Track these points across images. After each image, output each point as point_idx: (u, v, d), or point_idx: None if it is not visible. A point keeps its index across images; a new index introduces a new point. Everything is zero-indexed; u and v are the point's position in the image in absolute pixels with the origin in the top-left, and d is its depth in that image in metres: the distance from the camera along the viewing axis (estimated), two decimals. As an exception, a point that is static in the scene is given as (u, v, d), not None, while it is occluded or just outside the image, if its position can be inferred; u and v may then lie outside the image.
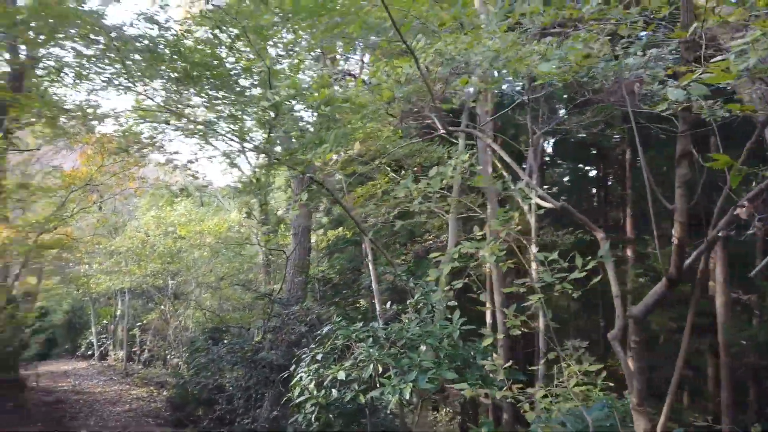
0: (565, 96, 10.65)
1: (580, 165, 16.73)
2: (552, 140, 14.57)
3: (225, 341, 10.22)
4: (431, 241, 10.94)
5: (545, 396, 4.38)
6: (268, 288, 11.05)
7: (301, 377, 5.82)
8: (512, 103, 9.58)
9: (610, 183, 16.55)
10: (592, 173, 16.67)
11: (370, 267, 9.85)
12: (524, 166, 8.54)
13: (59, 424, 11.00)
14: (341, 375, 5.30)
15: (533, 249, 7.70)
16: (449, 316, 5.66)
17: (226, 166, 9.85)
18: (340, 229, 12.36)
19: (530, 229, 8.33)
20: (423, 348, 5.56)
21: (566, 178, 17.32)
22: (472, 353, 5.35)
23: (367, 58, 10.44)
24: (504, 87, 10.67)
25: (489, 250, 4.20)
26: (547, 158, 15.87)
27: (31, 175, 13.42)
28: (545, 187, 10.74)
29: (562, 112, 11.69)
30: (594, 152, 15.38)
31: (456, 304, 5.80)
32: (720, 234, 2.81)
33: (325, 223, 13.91)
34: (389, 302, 7.10)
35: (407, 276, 6.57)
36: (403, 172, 9.06)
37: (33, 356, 18.03)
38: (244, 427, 8.29)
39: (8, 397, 11.56)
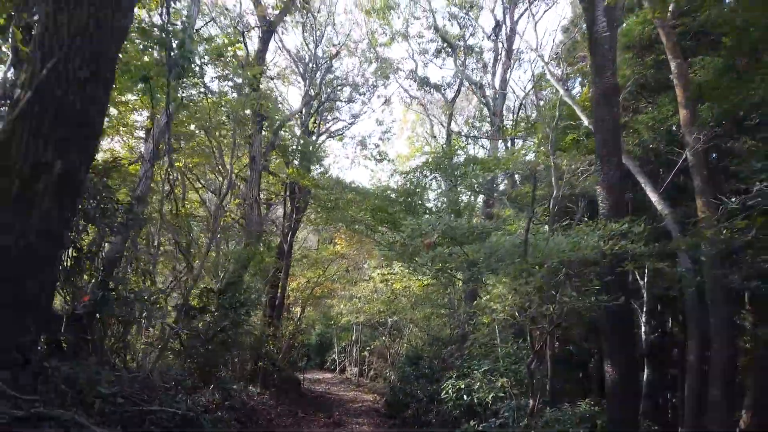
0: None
1: None
2: None
3: (419, 364, 16.62)
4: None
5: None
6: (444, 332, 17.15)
7: (445, 386, 11.74)
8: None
9: None
10: None
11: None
12: None
13: (324, 408, 18.42)
14: (462, 385, 11.06)
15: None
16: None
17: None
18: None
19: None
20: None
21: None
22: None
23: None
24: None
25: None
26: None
27: (310, 249, 22.24)
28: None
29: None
30: None
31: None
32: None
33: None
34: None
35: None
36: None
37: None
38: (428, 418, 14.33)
39: (292, 390, 19.51)
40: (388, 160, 26.35)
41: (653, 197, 9.71)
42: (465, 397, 11.40)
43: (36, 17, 3.25)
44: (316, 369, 31.65)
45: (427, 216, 9.34)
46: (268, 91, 14.03)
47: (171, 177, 8.82)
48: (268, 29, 12.37)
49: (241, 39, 12.94)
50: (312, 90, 18.69)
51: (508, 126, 18.38)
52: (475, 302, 10.59)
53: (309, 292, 20.40)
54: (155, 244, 8.40)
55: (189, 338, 7.52)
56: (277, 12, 12.69)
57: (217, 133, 11.56)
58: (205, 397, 8.30)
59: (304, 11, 14.76)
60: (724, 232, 6.71)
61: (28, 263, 3.16)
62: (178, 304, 7.46)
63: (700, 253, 7.98)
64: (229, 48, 11.92)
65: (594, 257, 6.85)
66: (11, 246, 3.00)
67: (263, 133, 13.82)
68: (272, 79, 15.19)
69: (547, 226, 11.47)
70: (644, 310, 13.52)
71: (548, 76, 12.93)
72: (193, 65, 6.70)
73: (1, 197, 2.94)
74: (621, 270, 7.06)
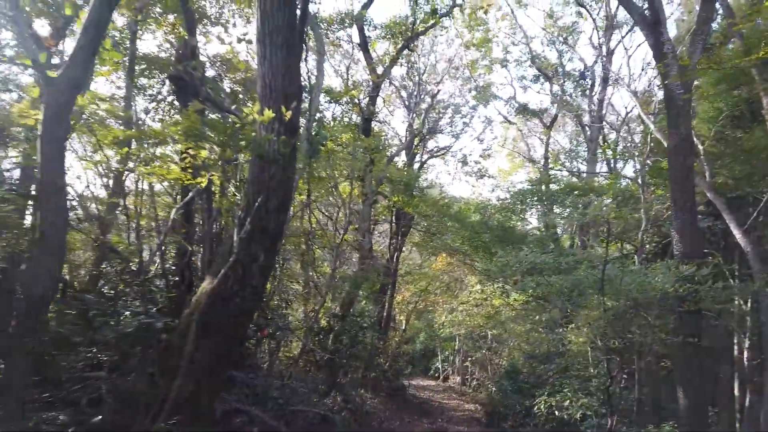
0: None
1: None
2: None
3: (516, 379, 17.91)
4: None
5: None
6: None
7: (538, 402, 13.04)
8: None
9: None
10: None
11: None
12: None
13: (427, 415, 20.21)
14: (554, 402, 12.33)
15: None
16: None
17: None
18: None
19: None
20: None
21: None
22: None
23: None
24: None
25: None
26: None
27: (414, 264, 24.31)
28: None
29: None
30: None
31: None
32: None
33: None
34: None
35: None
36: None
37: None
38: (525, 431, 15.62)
39: (398, 396, 21.48)
40: (489, 176, 27.64)
41: (737, 233, 10.39)
42: (556, 413, 12.63)
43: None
44: (420, 376, 33.42)
45: (522, 249, 10.69)
46: (378, 133, 16.21)
47: (310, 233, 11.10)
48: (378, 83, 14.53)
49: (353, 87, 15.20)
50: (416, 119, 20.71)
51: (606, 149, 19.08)
52: (561, 329, 11.84)
53: (413, 305, 22.37)
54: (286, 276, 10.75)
55: (320, 353, 9.68)
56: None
57: (335, 172, 13.84)
58: (330, 400, 10.42)
59: (410, 63, 16.76)
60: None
61: (244, 315, 5.30)
62: (311, 326, 9.67)
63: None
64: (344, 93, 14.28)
65: (661, 296, 7.97)
66: (238, 305, 5.14)
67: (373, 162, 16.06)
68: (381, 123, 17.44)
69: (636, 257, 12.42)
70: (747, 335, 13.83)
71: (639, 111, 13.74)
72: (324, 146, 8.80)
73: (235, 277, 5.09)
74: (687, 310, 8.12)
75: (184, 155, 5.54)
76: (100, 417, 4.37)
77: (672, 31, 21.75)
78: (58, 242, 3.54)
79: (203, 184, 5.17)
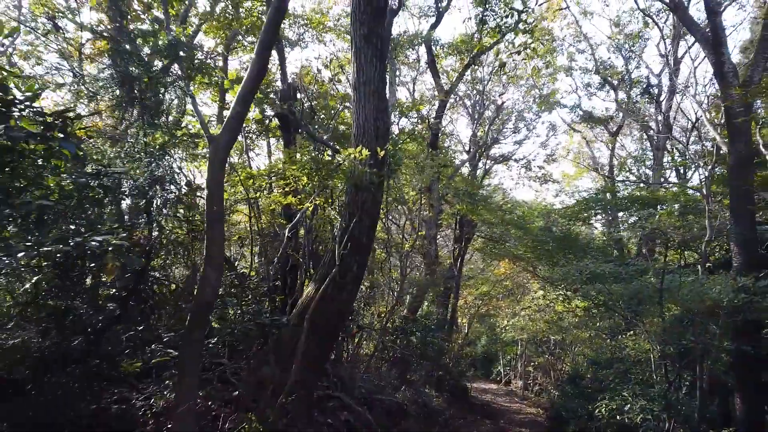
0: None
1: None
2: None
3: (579, 384, 18.41)
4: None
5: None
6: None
7: (599, 405, 13.63)
8: None
9: None
10: None
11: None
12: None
13: (490, 416, 20.97)
14: (614, 406, 12.93)
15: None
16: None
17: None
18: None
19: None
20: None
21: None
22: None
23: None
24: None
25: None
26: None
27: (476, 268, 25.16)
28: None
29: None
30: None
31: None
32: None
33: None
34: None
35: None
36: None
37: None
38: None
39: (461, 396, 22.34)
40: (553, 181, 27.97)
41: (801, 246, 10.69)
42: (617, 417, 13.20)
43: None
44: (482, 379, 34.08)
45: (585, 257, 11.38)
46: (443, 147, 17.26)
47: (387, 243, 12.32)
48: (445, 101, 15.56)
49: (421, 102, 16.29)
50: (479, 129, 21.60)
51: (673, 156, 19.23)
52: (622, 336, 12.46)
53: (475, 309, 23.20)
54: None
55: (395, 350, 10.84)
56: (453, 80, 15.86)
57: (403, 181, 14.96)
58: (400, 395, 11.53)
59: (474, 78, 17.67)
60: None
61: (341, 316, 6.50)
62: (385, 326, 10.83)
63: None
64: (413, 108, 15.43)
65: (719, 306, 8.56)
66: (337, 308, 6.34)
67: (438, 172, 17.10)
68: (446, 135, 18.45)
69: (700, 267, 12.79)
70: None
71: (705, 121, 14.03)
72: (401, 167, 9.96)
73: (335, 284, 6.29)
74: (743, 320, 8.66)
75: (288, 182, 6.81)
76: (237, 393, 5.66)
77: (746, 34, 21.52)
78: (219, 259, 4.83)
79: (311, 209, 6.42)
